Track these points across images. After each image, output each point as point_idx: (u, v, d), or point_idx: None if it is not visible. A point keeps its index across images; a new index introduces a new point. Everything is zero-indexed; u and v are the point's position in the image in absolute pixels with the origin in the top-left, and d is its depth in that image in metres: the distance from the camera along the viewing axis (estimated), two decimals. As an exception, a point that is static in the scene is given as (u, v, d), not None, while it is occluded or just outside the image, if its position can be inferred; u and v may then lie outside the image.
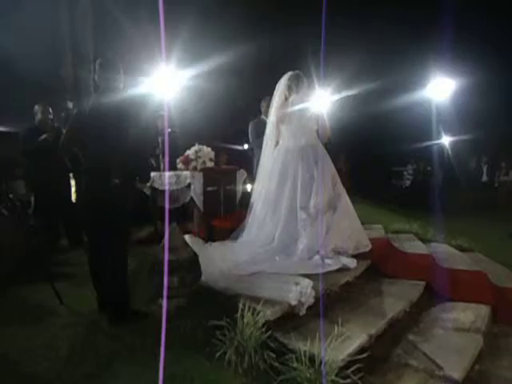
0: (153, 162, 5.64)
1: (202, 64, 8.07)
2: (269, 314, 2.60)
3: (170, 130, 5.83)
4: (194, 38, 8.24)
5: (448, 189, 12.02)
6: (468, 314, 3.07)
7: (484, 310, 3.15)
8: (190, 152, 5.03)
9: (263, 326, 2.45)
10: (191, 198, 4.75)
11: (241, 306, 2.58)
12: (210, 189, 4.87)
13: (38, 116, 4.86)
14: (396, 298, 3.15)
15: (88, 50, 7.85)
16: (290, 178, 3.92)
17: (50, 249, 4.55)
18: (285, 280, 3.07)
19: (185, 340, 2.54)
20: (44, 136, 4.62)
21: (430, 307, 3.25)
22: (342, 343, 2.31)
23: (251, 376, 2.26)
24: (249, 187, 5.60)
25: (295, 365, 2.14)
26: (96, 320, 2.90)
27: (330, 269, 3.38)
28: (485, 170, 15.03)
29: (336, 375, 2.07)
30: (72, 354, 2.49)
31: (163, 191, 4.79)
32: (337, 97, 10.98)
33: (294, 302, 2.74)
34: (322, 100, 9.87)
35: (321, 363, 2.12)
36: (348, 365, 2.20)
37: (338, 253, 3.67)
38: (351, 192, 4.16)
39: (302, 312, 2.76)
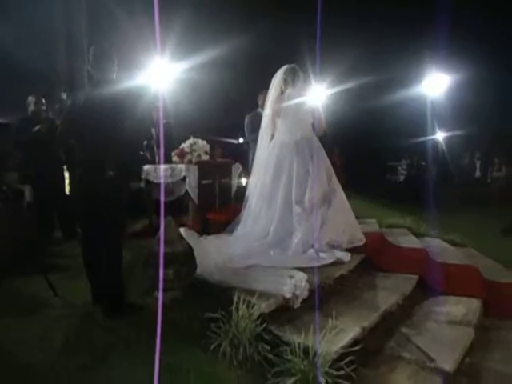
0: (147, 154, 5.60)
1: (195, 56, 8.03)
2: (263, 306, 2.61)
3: (164, 120, 5.79)
4: (188, 31, 8.18)
5: (442, 184, 12.10)
6: (460, 308, 3.11)
7: (475, 304, 3.19)
8: (185, 145, 5.00)
9: (258, 318, 2.47)
10: (186, 191, 4.74)
11: (236, 298, 2.59)
12: (205, 182, 4.87)
13: (31, 107, 4.81)
14: (389, 292, 3.17)
15: (82, 41, 7.75)
16: (285, 172, 3.91)
17: (43, 240, 4.53)
18: (279, 273, 3.09)
19: (180, 332, 2.54)
20: (38, 127, 4.57)
21: (422, 300, 3.28)
22: (335, 336, 2.32)
23: (246, 368, 2.27)
24: (244, 181, 5.58)
25: (289, 357, 2.16)
26: (90, 312, 2.89)
27: (324, 262, 3.39)
28: (478, 165, 15.18)
29: (329, 367, 2.08)
30: (66, 345, 2.49)
31: (158, 184, 4.78)
32: (332, 91, 10.99)
33: (288, 295, 2.76)
34: (318, 94, 9.88)
35: (315, 355, 2.13)
36: (341, 357, 2.21)
37: (332, 246, 3.68)
38: (346, 187, 4.16)
39: (297, 305, 2.77)
